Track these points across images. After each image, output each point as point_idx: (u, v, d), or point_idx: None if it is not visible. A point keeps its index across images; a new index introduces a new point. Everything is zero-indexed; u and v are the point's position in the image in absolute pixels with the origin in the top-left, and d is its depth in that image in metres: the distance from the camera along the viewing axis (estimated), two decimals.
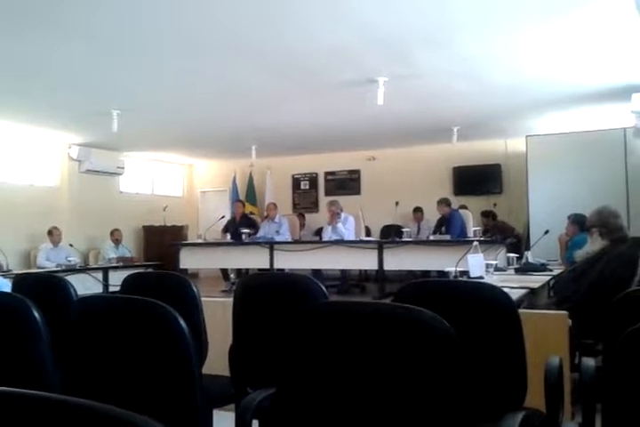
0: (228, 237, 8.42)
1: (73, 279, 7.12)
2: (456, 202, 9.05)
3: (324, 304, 1.44)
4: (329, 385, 1.29)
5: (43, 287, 2.60)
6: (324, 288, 2.07)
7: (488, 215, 9.18)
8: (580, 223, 5.64)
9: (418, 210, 9.39)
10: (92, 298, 1.59)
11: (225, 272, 8.73)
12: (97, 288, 7.97)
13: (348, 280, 8.35)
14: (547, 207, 7.78)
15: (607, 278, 3.54)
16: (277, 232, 8.46)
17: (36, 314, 1.56)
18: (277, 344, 1.36)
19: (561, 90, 6.54)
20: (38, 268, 7.94)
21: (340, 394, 1.27)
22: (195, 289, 2.39)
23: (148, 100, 6.78)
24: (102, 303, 1.56)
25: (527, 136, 8.29)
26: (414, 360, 1.21)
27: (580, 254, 4.20)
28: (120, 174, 10.37)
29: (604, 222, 3.85)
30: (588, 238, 4.27)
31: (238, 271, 8.62)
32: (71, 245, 8.46)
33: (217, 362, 2.35)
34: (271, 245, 7.92)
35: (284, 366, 1.34)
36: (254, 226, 8.73)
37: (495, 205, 9.29)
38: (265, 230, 8.67)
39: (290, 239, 8.38)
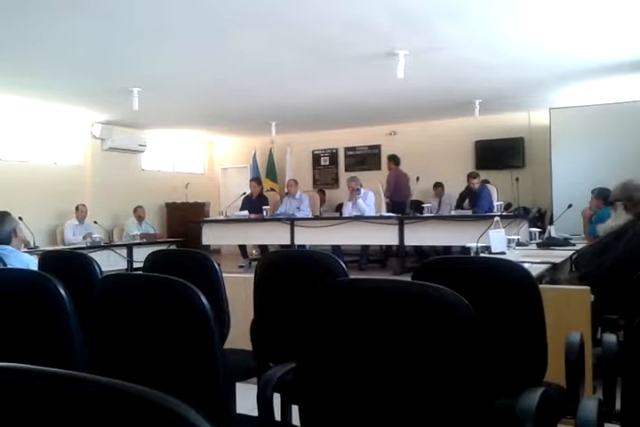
0: (246, 212, 8.48)
1: (97, 256, 7.35)
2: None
3: (343, 282, 1.46)
4: (348, 362, 1.30)
5: (68, 265, 2.65)
6: (344, 265, 2.08)
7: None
8: (604, 197, 5.56)
9: (438, 185, 9.31)
10: (115, 276, 1.62)
11: (243, 249, 8.82)
12: (121, 264, 8.11)
13: (368, 256, 8.37)
14: (570, 181, 7.68)
15: (631, 253, 3.51)
16: (298, 208, 8.50)
17: (62, 292, 1.59)
18: (297, 320, 1.38)
19: (584, 61, 6.38)
20: (66, 244, 8.10)
21: (359, 371, 1.29)
22: (216, 266, 2.42)
23: (169, 77, 6.77)
24: (125, 281, 1.59)
25: (551, 109, 8.15)
26: (433, 338, 1.22)
27: (603, 228, 4.16)
28: (142, 152, 10.45)
29: (629, 196, 3.79)
30: (611, 212, 4.22)
31: (262, 248, 8.70)
32: (95, 222, 8.59)
33: (239, 337, 2.39)
34: (292, 221, 7.96)
35: (303, 343, 1.36)
36: (268, 204, 8.74)
37: (517, 179, 9.18)
38: (286, 207, 8.71)
39: (310, 215, 8.40)
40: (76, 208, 8.51)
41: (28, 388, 0.56)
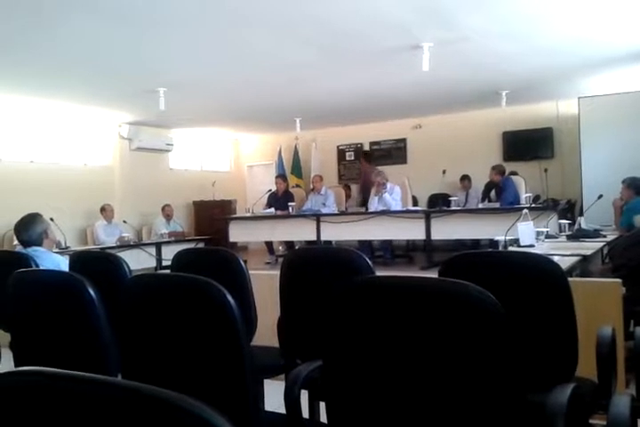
0: (272, 209, 8.51)
1: (127, 254, 7.46)
2: (506, 168, 8.85)
3: (368, 280, 1.45)
4: (375, 360, 1.30)
5: (98, 265, 2.69)
6: (369, 262, 2.07)
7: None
8: (635, 187, 5.47)
9: (465, 178, 9.23)
10: (143, 276, 1.64)
11: (269, 245, 8.86)
12: (150, 263, 8.22)
13: (393, 250, 8.33)
14: (600, 171, 7.54)
15: None
16: (324, 204, 8.50)
17: (92, 292, 1.62)
18: (323, 318, 1.38)
19: (612, 48, 6.24)
20: (98, 244, 8.23)
21: (386, 369, 1.29)
22: (242, 264, 2.43)
23: (194, 77, 6.83)
24: (153, 281, 1.61)
25: (579, 98, 7.99)
26: (461, 335, 1.21)
27: None
28: (169, 151, 10.56)
29: None
30: None
31: (288, 244, 8.73)
32: (125, 222, 8.71)
33: (267, 333, 2.41)
34: (318, 217, 7.97)
35: (329, 341, 1.36)
36: (293, 200, 8.75)
37: (546, 170, 9.04)
38: (311, 203, 8.72)
39: (336, 211, 8.40)
40: (102, 209, 8.62)
41: (53, 391, 0.57)
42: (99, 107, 8.37)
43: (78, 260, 2.85)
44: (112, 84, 7.03)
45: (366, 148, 11.37)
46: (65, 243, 7.19)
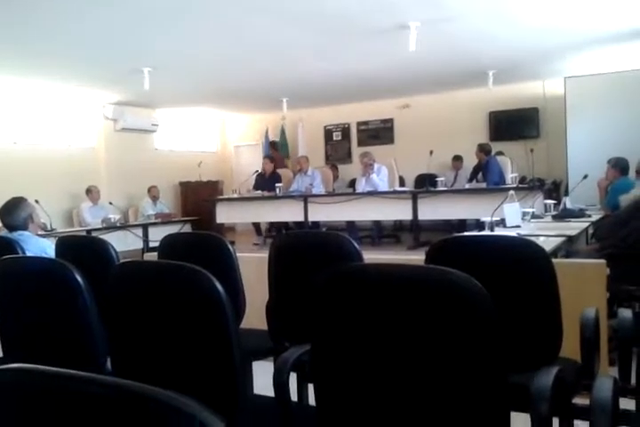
0: (258, 192, 8.49)
1: (114, 236, 7.43)
2: (493, 148, 8.87)
3: (355, 267, 1.46)
4: (363, 344, 1.31)
5: (85, 249, 2.68)
6: (357, 246, 2.08)
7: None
8: (620, 167, 5.50)
9: (457, 158, 9.24)
10: (130, 263, 1.63)
11: (257, 226, 8.87)
12: (137, 244, 8.19)
13: (381, 230, 8.37)
14: (586, 151, 7.58)
15: None
16: (311, 185, 8.48)
17: (79, 279, 1.62)
18: (312, 302, 1.39)
19: (598, 28, 6.23)
20: (84, 226, 8.17)
21: (374, 352, 1.30)
22: (230, 248, 2.43)
23: (179, 56, 6.74)
24: (140, 268, 1.60)
25: (565, 78, 8.00)
26: (446, 321, 1.23)
27: (627, 198, 4.13)
28: (154, 131, 10.46)
29: None
30: (635, 183, 4.18)
31: (276, 225, 8.74)
32: (110, 203, 8.66)
33: (256, 316, 2.42)
34: (305, 197, 7.96)
35: (318, 326, 1.37)
36: (280, 181, 8.72)
37: (532, 150, 9.07)
38: (298, 184, 8.70)
39: (323, 192, 8.39)
40: (88, 190, 8.55)
41: (39, 388, 0.57)
42: (83, 87, 8.24)
43: (64, 244, 2.83)
44: (97, 64, 6.92)
45: (353, 128, 11.32)
46: (50, 225, 7.14)
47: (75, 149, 9.25)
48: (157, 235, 7.32)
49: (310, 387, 1.73)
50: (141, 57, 6.68)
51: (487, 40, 6.58)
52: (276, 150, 10.87)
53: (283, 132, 11.38)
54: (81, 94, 8.79)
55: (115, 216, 8.18)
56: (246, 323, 2.28)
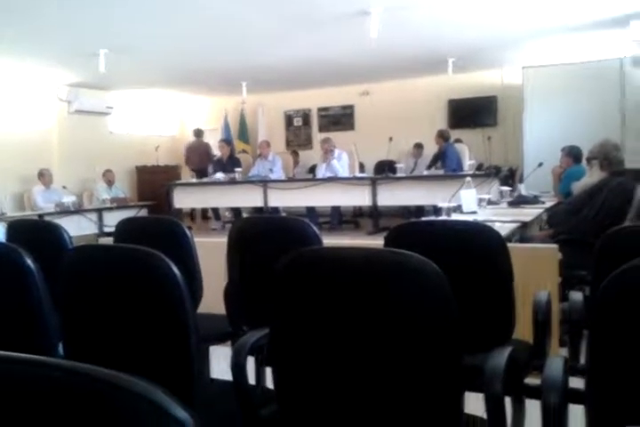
0: (218, 175, 8.40)
1: (67, 221, 7.26)
2: (452, 136, 8.97)
3: (314, 250, 1.46)
4: (321, 328, 1.32)
5: (37, 234, 2.61)
6: (316, 231, 2.08)
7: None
8: (574, 155, 5.63)
9: (418, 146, 9.30)
10: (84, 247, 1.60)
11: (216, 211, 8.80)
12: (92, 229, 8.04)
13: (340, 216, 8.40)
14: (541, 139, 7.74)
15: (607, 209, 3.60)
16: (271, 170, 8.44)
17: (30, 263, 1.57)
18: (270, 287, 1.39)
19: (556, 18, 6.34)
20: (36, 210, 7.95)
21: (331, 336, 1.31)
22: (187, 232, 2.40)
23: (136, 37, 6.56)
24: (95, 252, 1.57)
25: (523, 67, 8.12)
26: (403, 303, 1.24)
27: (578, 186, 4.24)
28: (109, 114, 10.20)
29: (607, 155, 3.87)
30: (586, 170, 4.29)
31: (235, 211, 8.68)
32: (64, 187, 8.44)
33: (214, 301, 2.40)
34: (265, 183, 7.92)
35: (276, 310, 1.37)
36: (240, 166, 8.68)
37: (489, 138, 9.21)
38: (258, 169, 8.65)
39: (283, 177, 8.36)
40: (40, 173, 8.30)
41: None
42: (35, 66, 7.96)
43: (16, 228, 2.74)
44: (50, 44, 6.68)
45: (314, 113, 11.28)
46: (1, 209, 6.93)
47: (27, 132, 8.95)
48: (112, 220, 7.19)
49: (268, 371, 1.73)
50: (98, 38, 6.47)
51: (447, 28, 6.62)
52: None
53: (242, 117, 11.27)
54: (34, 74, 8.49)
55: (68, 200, 7.98)
56: (204, 308, 2.26)
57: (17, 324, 1.61)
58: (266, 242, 2.15)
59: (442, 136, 8.08)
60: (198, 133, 10.38)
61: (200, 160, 10.00)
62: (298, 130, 11.45)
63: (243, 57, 7.75)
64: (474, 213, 4.50)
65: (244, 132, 11.25)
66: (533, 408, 1.46)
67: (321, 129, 11.15)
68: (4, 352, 0.55)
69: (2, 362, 0.55)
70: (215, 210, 8.82)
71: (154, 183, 9.69)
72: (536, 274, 2.88)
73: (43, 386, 0.55)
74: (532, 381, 1.75)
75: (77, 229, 7.32)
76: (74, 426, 0.54)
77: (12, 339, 1.60)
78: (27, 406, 0.55)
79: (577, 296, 2.15)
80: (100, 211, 8.32)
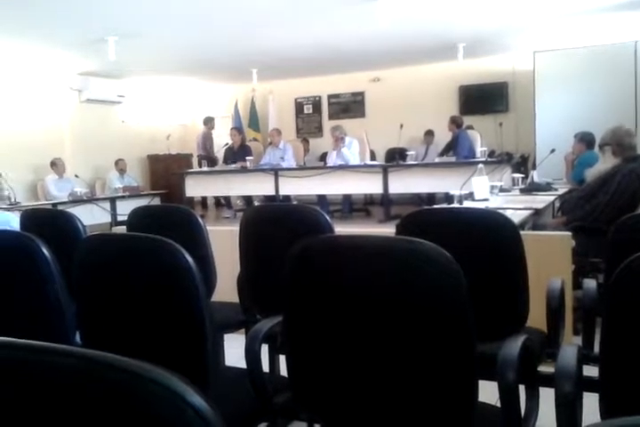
0: (232, 166, 8.42)
1: (80, 210, 7.30)
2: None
3: (327, 238, 1.46)
4: (333, 315, 1.32)
5: (51, 223, 2.63)
6: (328, 219, 2.08)
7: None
8: (587, 142, 5.57)
9: (429, 133, 9.25)
10: (98, 236, 1.60)
11: (228, 200, 8.82)
12: (105, 218, 8.08)
13: (351, 204, 8.39)
14: (553, 126, 7.66)
15: (620, 196, 3.57)
16: (282, 158, 8.43)
17: (46, 252, 1.58)
18: (283, 274, 1.39)
19: (568, 2, 6.24)
20: (49, 199, 8.00)
21: (344, 324, 1.31)
22: (200, 221, 2.41)
23: (147, 25, 6.54)
24: (109, 241, 1.58)
25: (535, 52, 8.02)
26: (417, 290, 1.24)
27: (591, 173, 4.20)
28: (120, 103, 10.22)
29: (619, 141, 3.83)
30: (599, 157, 4.25)
31: (246, 199, 8.70)
32: (77, 176, 8.49)
33: (228, 289, 2.42)
34: (276, 171, 7.91)
35: (289, 297, 1.37)
36: (251, 154, 8.67)
37: (501, 124, 9.14)
38: (269, 157, 8.64)
39: (294, 165, 8.35)
40: (53, 163, 8.35)
41: (5, 361, 0.55)
42: (46, 56, 7.97)
43: (29, 218, 2.76)
44: (61, 31, 6.67)
45: (324, 101, 11.23)
46: (15, 198, 6.98)
47: (39, 121, 8.98)
48: (125, 208, 7.19)
49: (282, 358, 1.75)
50: (107, 25, 6.46)
51: (458, 12, 6.54)
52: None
53: (253, 105, 11.24)
54: (46, 64, 8.51)
55: (81, 189, 8.03)
56: (218, 296, 2.27)
57: (34, 313, 1.63)
58: (277, 230, 2.16)
59: (455, 122, 8.02)
60: (206, 121, 10.38)
61: (208, 148, 10.06)
62: (308, 117, 11.41)
63: (254, 43, 7.72)
64: (485, 200, 4.48)
65: (254, 121, 11.23)
66: (547, 397, 1.46)
67: (331, 116, 11.10)
68: (22, 340, 0.56)
69: (19, 350, 0.55)
70: (227, 198, 8.84)
71: (166, 172, 9.73)
72: (549, 262, 2.86)
73: (60, 374, 0.55)
74: (546, 369, 1.75)
75: (91, 218, 7.38)
76: (92, 415, 0.55)
77: (29, 328, 1.62)
78: (44, 395, 0.56)
79: (590, 284, 2.14)
80: (112, 200, 8.37)
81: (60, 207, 6.95)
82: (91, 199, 8.08)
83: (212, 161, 9.41)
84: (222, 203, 9.48)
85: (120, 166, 9.21)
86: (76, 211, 6.68)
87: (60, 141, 9.18)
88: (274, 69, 9.57)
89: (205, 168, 8.72)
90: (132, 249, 1.48)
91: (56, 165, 8.35)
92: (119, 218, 7.94)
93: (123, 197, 8.51)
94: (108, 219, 8.11)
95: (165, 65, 9.17)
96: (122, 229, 2.95)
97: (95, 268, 1.52)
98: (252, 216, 2.35)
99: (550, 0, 6.14)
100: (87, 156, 9.39)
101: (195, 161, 10.58)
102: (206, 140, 10.15)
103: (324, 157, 9.05)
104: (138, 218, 2.57)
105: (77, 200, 7.75)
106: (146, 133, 10.64)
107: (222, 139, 10.13)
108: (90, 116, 9.58)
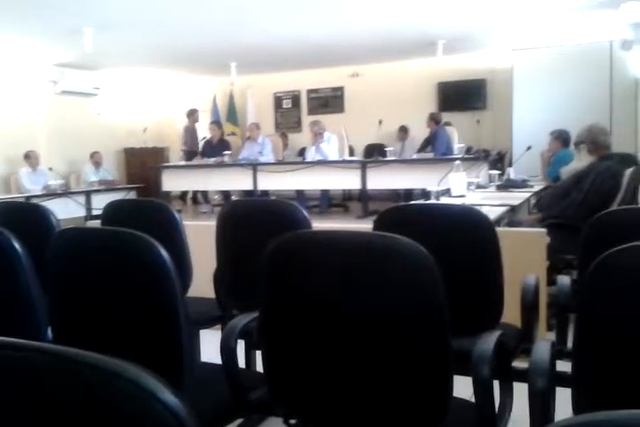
0: (211, 160, 8.36)
1: (55, 203, 7.19)
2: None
3: (304, 233, 1.45)
4: (309, 311, 1.32)
5: (23, 216, 2.58)
6: (306, 214, 2.07)
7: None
8: (562, 139, 5.64)
9: (402, 129, 9.28)
10: (72, 230, 1.58)
11: (205, 194, 8.77)
12: (80, 212, 7.98)
13: (329, 200, 8.40)
14: (531, 123, 7.74)
15: (595, 193, 3.61)
16: (260, 153, 8.39)
17: (17, 246, 1.55)
18: (260, 270, 1.38)
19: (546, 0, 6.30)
20: (23, 192, 7.86)
21: (320, 319, 1.31)
22: (176, 215, 2.38)
23: (124, 16, 6.44)
24: (83, 235, 1.55)
25: (513, 50, 8.09)
26: (392, 286, 1.24)
27: (566, 170, 4.26)
28: (96, 95, 10.06)
29: (594, 139, 3.88)
30: (575, 155, 4.30)
31: (224, 194, 8.65)
32: (50, 169, 8.35)
33: (204, 284, 2.40)
34: (254, 166, 7.88)
35: (266, 293, 1.36)
36: (230, 149, 8.61)
37: (479, 121, 9.21)
38: (247, 151, 8.60)
39: (273, 160, 8.32)
40: (27, 155, 8.19)
41: None
42: (20, 46, 7.81)
43: (2, 211, 2.71)
44: (37, 21, 6.54)
45: (303, 95, 11.19)
46: None
47: (13, 112, 8.81)
48: (101, 202, 7.10)
49: (258, 354, 1.74)
50: (83, 16, 6.36)
51: (437, 9, 6.56)
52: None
53: (231, 99, 11.16)
54: (21, 54, 8.34)
55: (55, 182, 7.90)
56: (194, 292, 2.25)
57: (4, 308, 1.60)
58: (255, 225, 2.15)
59: (434, 119, 8.06)
60: (189, 114, 10.24)
61: (192, 142, 9.91)
62: (287, 112, 11.37)
63: (232, 36, 7.66)
64: (462, 196, 4.51)
65: (232, 115, 11.15)
66: (521, 392, 1.47)
67: (310, 111, 11.08)
68: None
69: None
70: (204, 193, 8.78)
71: (142, 165, 9.62)
72: (524, 258, 2.89)
73: (30, 371, 0.54)
74: (520, 364, 1.76)
75: (65, 211, 7.27)
76: (61, 411, 0.54)
77: None
78: (13, 391, 0.54)
79: (564, 280, 2.16)
80: (88, 193, 8.26)
81: (33, 200, 6.83)
82: (65, 193, 7.97)
83: (196, 155, 9.27)
84: (199, 199, 9.39)
85: (95, 159, 9.09)
86: (51, 204, 6.58)
87: (35, 133, 9.02)
88: (253, 63, 9.51)
89: (182, 162, 8.64)
90: (106, 244, 1.45)
91: (30, 158, 8.20)
92: (94, 212, 7.84)
93: (98, 190, 8.40)
94: (82, 213, 8.01)
95: (142, 57, 9.05)
96: (96, 224, 2.91)
97: (68, 262, 1.49)
98: (230, 211, 2.34)
99: None
100: (62, 148, 9.24)
101: (172, 155, 10.48)
102: (190, 134, 9.98)
103: (302, 152, 9.04)
104: (113, 212, 2.53)
105: (51, 194, 7.64)
106: (122, 126, 10.50)
107: (201, 133, 10.04)
108: (65, 108, 9.42)
